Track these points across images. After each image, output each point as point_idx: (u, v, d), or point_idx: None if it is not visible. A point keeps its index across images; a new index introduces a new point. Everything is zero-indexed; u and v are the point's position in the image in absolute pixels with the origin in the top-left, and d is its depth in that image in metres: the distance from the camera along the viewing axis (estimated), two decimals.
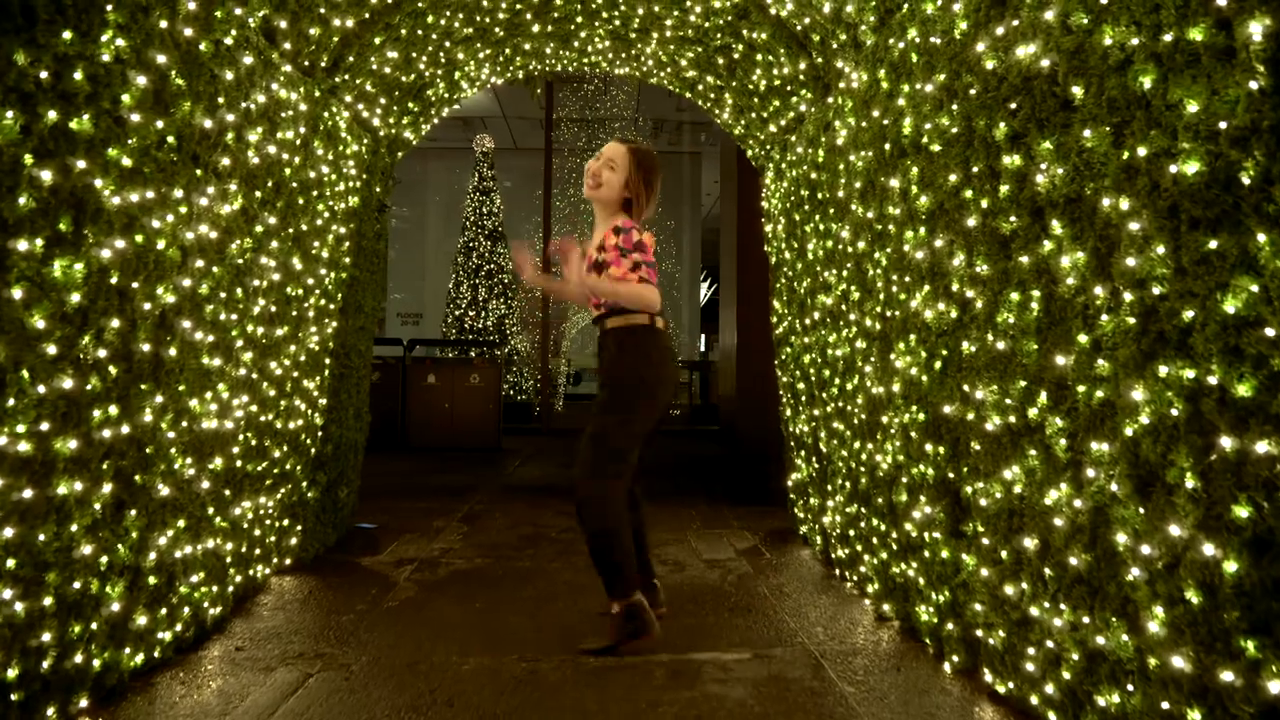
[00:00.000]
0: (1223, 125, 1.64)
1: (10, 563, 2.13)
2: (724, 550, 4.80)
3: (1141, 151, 1.79)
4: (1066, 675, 2.29)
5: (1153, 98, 1.77)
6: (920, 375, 3.02)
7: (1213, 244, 1.69)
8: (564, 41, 4.43)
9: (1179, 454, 1.79)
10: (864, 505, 3.68)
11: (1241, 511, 1.66)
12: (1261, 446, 1.61)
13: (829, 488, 4.20)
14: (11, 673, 2.17)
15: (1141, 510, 1.95)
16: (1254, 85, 1.57)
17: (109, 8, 2.20)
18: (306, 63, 3.45)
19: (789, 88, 4.03)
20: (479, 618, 3.51)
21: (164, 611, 2.89)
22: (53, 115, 2.05)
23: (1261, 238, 1.58)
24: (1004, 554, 2.55)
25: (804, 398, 4.57)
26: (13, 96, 1.91)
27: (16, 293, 2.03)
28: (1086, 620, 2.18)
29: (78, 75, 2.11)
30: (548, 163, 11.35)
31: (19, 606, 2.17)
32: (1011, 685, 2.56)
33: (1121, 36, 1.81)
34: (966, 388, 2.70)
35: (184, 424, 2.90)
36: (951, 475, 2.85)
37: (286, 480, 3.93)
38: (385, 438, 9.29)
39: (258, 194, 3.22)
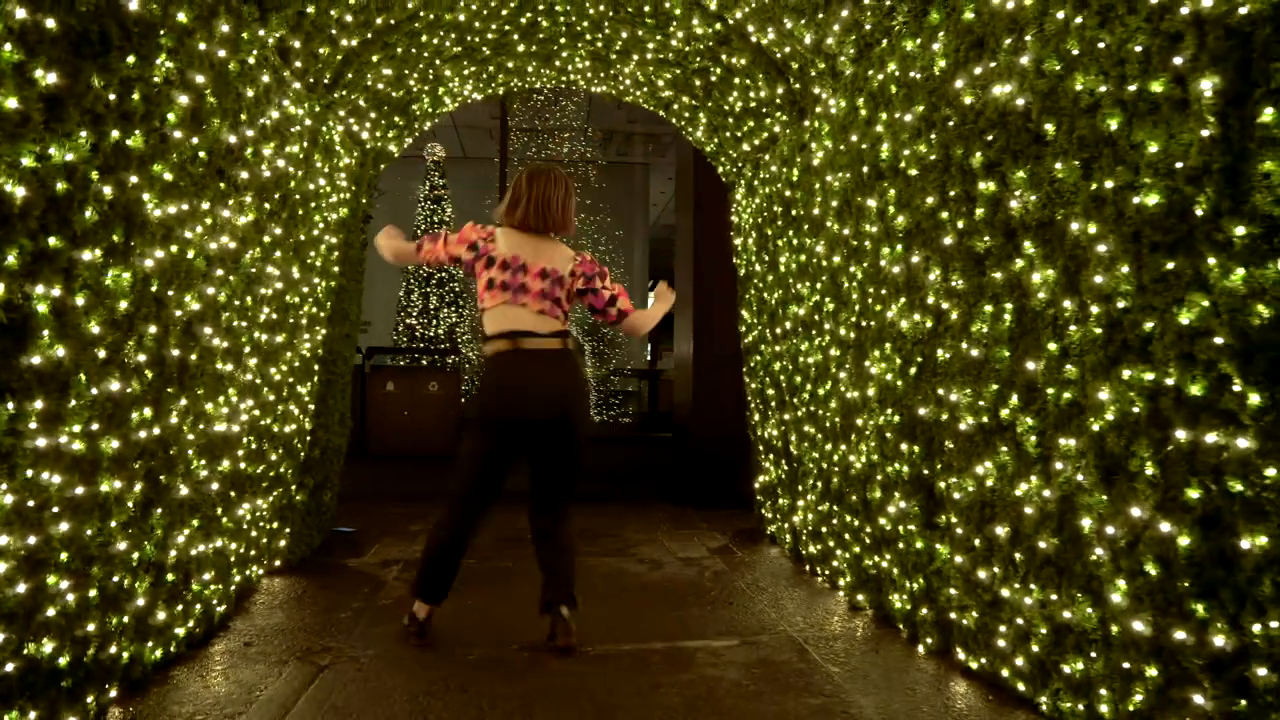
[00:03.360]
0: (1179, 165, 1.92)
1: (64, 555, 2.24)
2: (696, 549, 5.03)
3: (1109, 184, 2.08)
4: (1035, 648, 2.56)
5: (1119, 138, 2.05)
6: (895, 380, 3.29)
7: (1170, 265, 1.97)
8: (546, 61, 4.62)
9: (1140, 446, 2.07)
10: (836, 503, 3.94)
11: (1193, 494, 1.95)
12: (1211, 437, 1.90)
13: (800, 488, 4.46)
14: (63, 660, 2.27)
15: (1105, 497, 2.23)
16: (1205, 133, 1.85)
17: (161, 32, 2.33)
18: (311, 80, 3.58)
19: (764, 110, 4.29)
20: (473, 614, 3.66)
21: (180, 608, 2.99)
22: (115, 134, 2.17)
23: (1211, 261, 1.87)
24: (977, 542, 2.82)
25: (774, 403, 4.83)
26: (87, 118, 2.04)
27: (79, 300, 2.15)
28: (1055, 597, 2.46)
29: (135, 96, 2.24)
30: (502, 173, 11.49)
31: (70, 598, 2.27)
32: (984, 661, 2.84)
33: (1091, 84, 2.10)
34: (941, 391, 2.97)
35: (201, 426, 3.00)
36: (926, 472, 3.12)
37: (279, 483, 4.02)
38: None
39: (267, 206, 3.34)
